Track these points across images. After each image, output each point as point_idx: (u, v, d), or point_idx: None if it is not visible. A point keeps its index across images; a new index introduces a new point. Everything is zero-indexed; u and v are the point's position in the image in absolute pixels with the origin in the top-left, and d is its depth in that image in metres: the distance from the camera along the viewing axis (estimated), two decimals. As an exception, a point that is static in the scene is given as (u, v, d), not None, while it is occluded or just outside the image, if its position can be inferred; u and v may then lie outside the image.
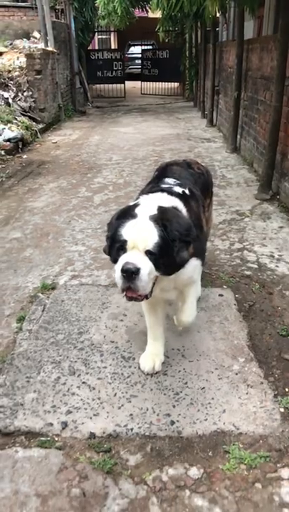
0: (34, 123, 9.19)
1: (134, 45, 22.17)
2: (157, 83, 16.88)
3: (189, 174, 2.69)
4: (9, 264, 3.66)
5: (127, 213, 1.97)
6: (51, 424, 2.03)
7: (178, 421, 2.05)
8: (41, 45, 10.48)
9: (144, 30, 17.26)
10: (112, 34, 23.60)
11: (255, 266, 3.49)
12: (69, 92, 12.45)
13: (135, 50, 21.35)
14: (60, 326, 2.76)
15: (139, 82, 17.66)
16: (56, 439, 1.96)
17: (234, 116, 7.04)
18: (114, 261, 1.95)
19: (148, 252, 1.86)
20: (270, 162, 4.85)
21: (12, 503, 1.68)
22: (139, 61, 17.99)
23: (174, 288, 2.21)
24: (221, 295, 3.11)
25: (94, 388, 2.25)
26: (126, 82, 16.29)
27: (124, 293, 1.90)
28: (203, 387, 2.26)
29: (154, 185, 2.46)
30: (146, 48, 18.72)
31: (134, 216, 1.93)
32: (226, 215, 4.57)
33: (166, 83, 16.82)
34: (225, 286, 3.22)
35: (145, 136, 9.00)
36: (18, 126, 8.26)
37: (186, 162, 2.87)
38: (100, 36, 22.46)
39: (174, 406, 2.14)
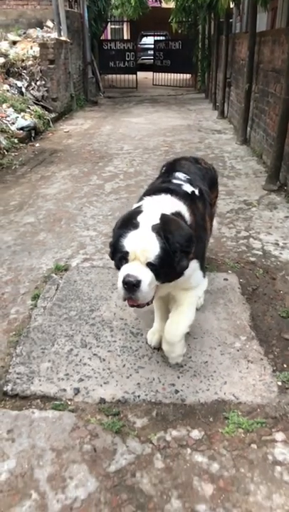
0: (46, 112, 9.34)
1: (146, 36, 22.13)
2: (169, 74, 16.89)
3: (198, 169, 2.71)
4: (23, 246, 3.83)
5: (129, 222, 1.94)
6: (64, 390, 2.20)
7: (182, 390, 2.21)
8: (54, 35, 10.57)
9: (156, 21, 17.29)
10: (125, 24, 23.53)
11: (260, 253, 3.62)
12: (81, 82, 12.54)
13: (148, 41, 21.32)
14: (73, 303, 2.93)
15: (151, 73, 17.67)
16: (69, 403, 2.13)
17: (245, 108, 7.12)
18: (118, 268, 1.97)
19: (149, 264, 1.87)
20: (279, 154, 4.95)
21: (30, 455, 1.86)
22: (152, 52, 18.00)
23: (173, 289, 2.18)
24: (225, 279, 3.25)
25: (104, 359, 2.41)
26: (138, 72, 16.32)
27: (126, 301, 1.94)
28: (206, 361, 2.41)
29: (164, 179, 2.46)
30: (158, 38, 18.70)
31: (136, 226, 1.91)
32: (234, 204, 4.69)
33: (178, 74, 16.83)
34: (230, 271, 3.35)
35: (156, 126, 9.10)
36: (31, 115, 8.41)
37: (193, 158, 2.92)
38: (112, 26, 22.46)
39: (178, 377, 2.29)
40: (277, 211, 4.46)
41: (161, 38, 19.27)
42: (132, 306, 1.98)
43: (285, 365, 2.40)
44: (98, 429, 1.97)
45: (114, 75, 16.23)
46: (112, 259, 2.04)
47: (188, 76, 17.27)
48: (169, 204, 2.09)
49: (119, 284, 1.88)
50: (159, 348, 2.47)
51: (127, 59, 15.47)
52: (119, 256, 1.92)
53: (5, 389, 2.20)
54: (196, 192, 2.33)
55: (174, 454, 1.86)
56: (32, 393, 2.18)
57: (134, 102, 13.27)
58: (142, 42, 21.95)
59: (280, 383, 2.26)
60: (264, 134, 6.15)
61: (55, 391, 2.19)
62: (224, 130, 8.60)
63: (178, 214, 2.07)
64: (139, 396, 2.17)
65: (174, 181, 2.35)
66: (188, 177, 2.43)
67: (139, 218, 1.94)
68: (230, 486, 1.72)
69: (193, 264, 2.11)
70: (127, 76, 15.94)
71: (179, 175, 2.43)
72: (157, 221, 1.91)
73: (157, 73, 17.20)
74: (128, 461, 1.82)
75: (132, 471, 1.78)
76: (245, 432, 1.96)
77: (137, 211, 2.01)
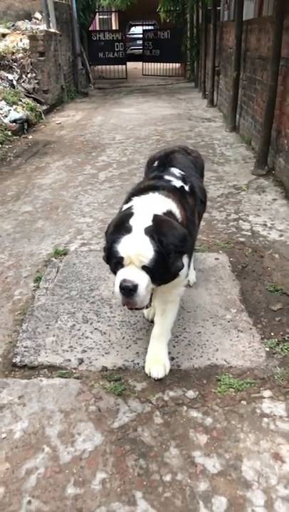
0: (38, 104, 9.42)
1: (135, 26, 22.11)
2: (158, 64, 16.96)
3: (190, 161, 2.70)
4: (23, 234, 3.99)
5: (121, 226, 1.93)
6: (69, 360, 2.38)
7: (177, 357, 2.40)
8: (43, 27, 10.61)
9: (145, 10, 17.23)
10: (113, 14, 23.45)
11: (249, 233, 3.81)
12: (71, 74, 12.60)
13: (136, 31, 21.32)
14: (73, 284, 3.10)
15: (140, 63, 17.71)
16: (74, 371, 2.31)
17: (233, 96, 7.27)
18: (114, 272, 1.99)
19: (144, 267, 1.88)
20: (266, 139, 5.12)
21: (40, 416, 2.04)
22: (140, 42, 18.02)
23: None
24: (216, 258, 3.43)
25: (105, 333, 2.59)
26: (127, 63, 16.35)
27: (125, 305, 1.98)
28: (200, 332, 2.60)
29: (158, 174, 2.42)
30: (147, 28, 18.69)
31: (129, 230, 1.90)
32: (224, 189, 4.87)
33: (168, 64, 16.89)
34: (221, 251, 3.54)
35: (147, 116, 9.23)
36: (23, 107, 8.50)
37: (183, 148, 2.85)
38: (100, 16, 22.37)
39: (174, 346, 2.48)
40: (265, 194, 4.64)
41: (150, 27, 19.25)
42: (130, 309, 2.02)
43: (272, 334, 2.59)
44: (102, 393, 2.16)
45: (103, 66, 16.28)
46: (107, 263, 2.05)
47: (177, 65, 17.32)
48: (159, 203, 2.07)
49: (117, 290, 1.89)
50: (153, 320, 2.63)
51: (116, 49, 15.51)
52: (114, 261, 1.93)
53: (14, 361, 2.38)
54: (186, 188, 2.33)
55: (172, 411, 2.05)
56: (39, 364, 2.36)
57: (125, 92, 13.36)
58: (130, 32, 21.93)
59: (267, 349, 2.45)
60: (252, 121, 6.31)
61: (61, 361, 2.37)
62: (214, 118, 8.74)
63: (169, 213, 2.06)
64: (138, 363, 2.35)
65: (166, 177, 2.33)
66: (182, 173, 2.42)
67: (132, 221, 1.92)
68: (222, 436, 1.91)
69: (184, 260, 2.10)
70: (116, 67, 15.99)
71: (175, 171, 2.42)
72: (150, 223, 1.91)
73: (147, 63, 17.25)
74: (130, 419, 2.01)
75: (133, 426, 1.96)
76: (235, 391, 2.16)
77: (128, 214, 1.99)
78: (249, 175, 5.25)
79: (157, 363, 2.26)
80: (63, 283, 3.12)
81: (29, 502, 1.67)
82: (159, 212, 2.00)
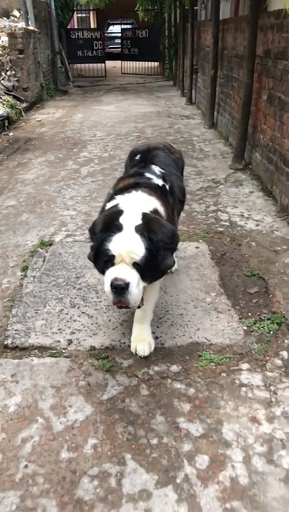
0: (18, 102, 9.44)
1: (113, 24, 22.20)
2: (137, 62, 17.10)
3: (172, 160, 2.73)
4: (8, 226, 4.07)
5: (111, 224, 1.94)
6: (59, 341, 2.50)
7: (161, 336, 2.54)
8: (22, 24, 10.62)
9: (123, 9, 17.36)
10: (91, 13, 23.48)
11: (227, 224, 3.98)
12: (50, 72, 12.63)
13: (114, 30, 21.43)
14: (60, 272, 3.22)
15: (119, 61, 17.83)
16: (63, 351, 2.43)
17: (211, 93, 7.45)
18: (102, 272, 1.99)
19: (135, 264, 1.89)
20: (243, 135, 5.31)
21: (33, 392, 2.16)
22: (119, 40, 18.14)
23: None
24: (197, 247, 3.59)
25: (92, 316, 2.72)
26: (106, 61, 16.44)
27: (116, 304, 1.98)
28: (182, 314, 2.75)
29: (138, 170, 2.44)
30: (125, 27, 18.82)
31: (119, 228, 1.91)
32: (203, 183, 5.04)
33: (146, 62, 17.04)
34: (200, 241, 3.70)
35: (127, 113, 9.36)
36: (4, 104, 8.53)
37: (166, 147, 2.87)
38: (78, 15, 22.39)
39: (158, 327, 2.62)
40: (242, 187, 4.83)
41: (128, 26, 19.39)
42: (121, 307, 2.02)
43: (249, 314, 2.75)
44: (91, 369, 2.29)
45: (82, 64, 16.34)
46: (95, 263, 2.05)
47: (156, 64, 17.50)
48: (145, 202, 2.09)
49: (107, 289, 1.90)
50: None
51: (95, 48, 15.58)
52: (104, 260, 1.93)
53: (5, 342, 2.48)
54: (167, 187, 2.35)
55: (157, 384, 2.19)
56: (30, 345, 2.47)
57: (104, 90, 13.45)
58: (108, 30, 22.00)
59: (245, 328, 2.62)
60: (230, 118, 6.50)
61: (51, 342, 2.49)
62: (192, 115, 8.93)
63: (155, 211, 2.09)
64: (124, 343, 2.49)
65: (147, 175, 2.35)
66: (163, 171, 2.44)
67: (121, 220, 1.94)
68: (204, 404, 2.06)
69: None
70: (95, 65, 16.07)
71: (155, 168, 2.44)
72: (140, 221, 1.93)
73: (125, 62, 17.36)
74: (118, 391, 2.14)
75: (121, 398, 2.10)
76: (216, 364, 2.31)
77: (117, 212, 2.00)
78: (227, 169, 5.43)
79: (143, 342, 2.40)
80: (50, 271, 3.23)
81: (26, 466, 1.79)
82: (147, 211, 2.02)
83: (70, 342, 2.50)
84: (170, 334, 2.57)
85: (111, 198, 2.21)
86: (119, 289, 1.86)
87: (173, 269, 3.16)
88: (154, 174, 2.39)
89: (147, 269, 1.91)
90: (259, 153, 4.96)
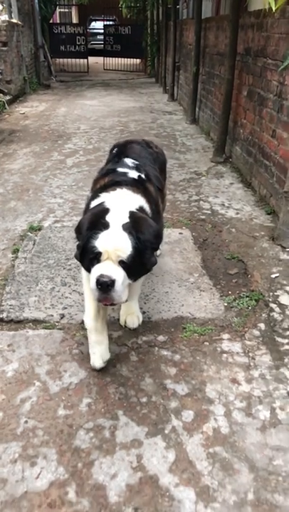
0: (1, 94, 9.48)
1: (95, 21, 22.22)
2: (120, 59, 17.23)
3: (148, 154, 2.72)
4: (-3, 213, 4.18)
5: (98, 222, 1.93)
6: (52, 315, 2.65)
7: (148, 311, 2.72)
8: (5, 17, 10.62)
9: (105, 5, 17.45)
10: (74, 8, 23.44)
11: (209, 212, 4.18)
12: (33, 66, 12.64)
13: (97, 26, 21.47)
14: (50, 254, 3.36)
15: (101, 58, 17.92)
16: (57, 324, 2.58)
17: (193, 90, 7.66)
18: (87, 269, 1.98)
19: (121, 262, 1.88)
20: (224, 129, 5.53)
21: (29, 359, 2.31)
22: (101, 36, 18.24)
23: None
24: (180, 233, 3.78)
25: (82, 294, 2.84)
26: (88, 57, 16.50)
27: (100, 302, 1.97)
28: (167, 292, 2.93)
29: (113, 166, 2.45)
30: (108, 23, 18.90)
31: (106, 226, 1.90)
32: (186, 174, 5.23)
33: (129, 59, 17.18)
34: (184, 227, 3.89)
35: (110, 108, 9.49)
36: (-13, 96, 8.56)
37: (145, 142, 2.90)
38: (60, 10, 22.34)
39: (145, 303, 2.80)
40: (223, 179, 5.04)
41: (110, 22, 19.47)
42: (105, 305, 2.02)
43: (229, 292, 2.95)
44: (83, 340, 2.44)
45: (65, 59, 16.36)
46: (80, 261, 2.04)
47: (138, 61, 17.66)
48: (130, 200, 2.09)
49: (93, 286, 1.87)
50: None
51: (77, 43, 15.65)
52: (90, 257, 1.91)
53: (1, 316, 2.62)
54: (143, 176, 2.34)
55: (145, 351, 2.37)
56: (24, 318, 2.62)
57: (87, 85, 13.53)
58: (90, 26, 22.01)
59: (225, 304, 2.82)
60: (211, 113, 6.72)
61: (44, 316, 2.64)
62: (174, 111, 9.13)
63: (141, 209, 2.09)
64: (114, 317, 2.65)
65: (120, 169, 2.34)
66: (136, 162, 2.44)
67: (108, 218, 1.93)
68: (189, 368, 2.25)
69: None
70: (78, 60, 16.12)
71: (128, 161, 2.44)
72: (127, 220, 1.92)
73: (108, 58, 17.46)
74: (109, 358, 2.31)
75: (113, 363, 2.26)
76: (199, 335, 2.50)
77: (103, 210, 1.99)
78: (208, 162, 5.64)
79: (131, 315, 2.56)
80: (40, 253, 3.37)
81: (26, 422, 1.94)
82: (133, 209, 2.02)
83: (62, 316, 2.65)
84: (156, 309, 2.75)
85: (95, 196, 2.20)
86: (105, 286, 1.84)
87: (158, 253, 3.31)
88: (127, 167, 2.38)
89: (133, 268, 1.91)
90: (239, 146, 5.19)
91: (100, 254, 1.88)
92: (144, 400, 2.06)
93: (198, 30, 7.25)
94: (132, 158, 2.48)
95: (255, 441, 1.85)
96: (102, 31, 18.13)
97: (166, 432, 1.90)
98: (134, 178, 2.28)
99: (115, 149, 2.76)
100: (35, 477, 1.71)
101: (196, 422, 1.94)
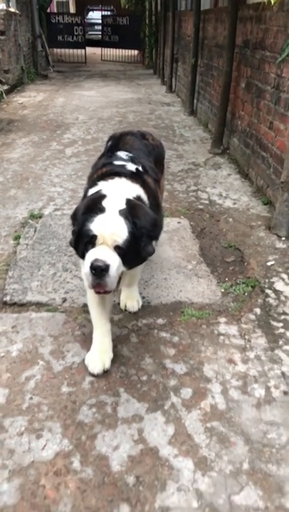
0: (-1, 84, 9.47)
1: (93, 11, 22.08)
2: (117, 50, 17.17)
3: (143, 145, 2.68)
4: (-3, 201, 4.24)
5: (94, 207, 1.91)
6: (54, 299, 2.72)
7: (147, 296, 2.80)
8: (3, 6, 10.56)
9: (103, -5, 17.36)
10: (71, -3, 23.26)
11: (207, 202, 4.26)
12: (31, 55, 12.60)
13: (94, 16, 21.33)
14: (51, 241, 3.43)
15: (99, 48, 17.85)
16: (59, 307, 2.66)
17: (191, 81, 7.69)
18: (82, 255, 1.94)
19: (117, 248, 1.85)
20: (222, 121, 5.59)
21: (33, 340, 2.38)
22: (99, 27, 18.15)
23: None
24: (179, 222, 3.86)
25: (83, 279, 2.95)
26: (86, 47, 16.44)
27: (93, 288, 1.92)
28: (166, 278, 3.02)
29: (106, 160, 2.43)
30: (106, 13, 18.80)
31: (102, 210, 1.88)
32: (184, 165, 5.30)
33: (126, 50, 17.13)
34: (182, 217, 3.96)
35: (108, 99, 9.51)
36: (-15, 85, 8.56)
37: (141, 133, 2.86)
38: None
39: (144, 288, 2.88)
40: (221, 170, 5.12)
41: (108, 13, 19.37)
42: (98, 293, 1.97)
43: (226, 279, 3.04)
44: (85, 322, 2.52)
45: (62, 50, 16.28)
46: (75, 247, 2.00)
47: (135, 52, 17.62)
48: (128, 188, 2.08)
49: (87, 270, 1.84)
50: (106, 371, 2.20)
51: (75, 33, 15.57)
52: (85, 241, 1.88)
53: (4, 299, 2.69)
54: (140, 168, 2.32)
55: (145, 333, 2.45)
56: (27, 301, 2.69)
57: (85, 76, 13.51)
58: (88, 17, 21.87)
59: (222, 290, 2.90)
60: (209, 105, 6.77)
61: (47, 299, 2.72)
62: (172, 103, 9.16)
63: (138, 198, 2.08)
64: (114, 301, 2.72)
65: (116, 162, 2.32)
66: (130, 155, 2.41)
67: (104, 203, 1.91)
68: (187, 349, 2.34)
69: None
70: (75, 51, 16.06)
71: (121, 154, 2.42)
72: (123, 206, 1.91)
73: (106, 48, 17.39)
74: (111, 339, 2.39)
75: (114, 344, 2.34)
76: (197, 319, 2.59)
77: (100, 196, 1.98)
78: (206, 153, 5.71)
79: (131, 299, 2.64)
80: (42, 240, 3.44)
81: (31, 398, 2.03)
82: (131, 197, 2.01)
83: (64, 300, 2.73)
84: (156, 295, 2.83)
85: (93, 184, 2.19)
86: (99, 270, 1.80)
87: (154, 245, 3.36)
88: (121, 160, 2.36)
89: (128, 254, 1.88)
90: (237, 138, 5.25)
91: (95, 237, 1.85)
92: (145, 378, 2.15)
93: (197, 21, 7.27)
94: (126, 151, 2.46)
95: (251, 416, 1.95)
96: (99, 22, 18.05)
97: (166, 408, 1.99)
98: (132, 171, 2.25)
99: (110, 142, 2.75)
100: (41, 448, 1.79)
101: (194, 399, 2.03)
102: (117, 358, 2.27)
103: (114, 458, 1.76)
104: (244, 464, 1.74)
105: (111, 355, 2.22)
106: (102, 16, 18.21)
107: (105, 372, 2.17)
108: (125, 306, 2.64)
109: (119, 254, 1.86)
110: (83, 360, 2.24)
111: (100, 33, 17.86)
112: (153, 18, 13.67)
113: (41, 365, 2.22)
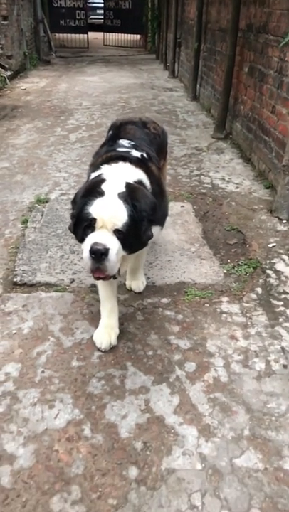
0: (2, 70, 9.45)
1: (94, -6, 21.80)
2: (119, 34, 17.02)
3: (144, 134, 2.66)
4: (4, 186, 4.31)
5: (93, 190, 1.90)
6: (62, 280, 2.82)
7: (152, 277, 2.89)
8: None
9: (105, -21, 17.14)
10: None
11: (210, 186, 4.32)
12: (33, 41, 12.52)
13: (96, 0, 21.07)
14: (58, 225, 3.51)
15: (101, 33, 17.69)
16: (67, 288, 2.76)
17: (194, 66, 7.68)
18: (81, 240, 1.92)
19: (116, 231, 1.84)
20: (224, 106, 5.62)
21: (43, 318, 2.49)
22: (101, 11, 17.96)
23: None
24: (182, 206, 3.93)
25: (90, 260, 3.04)
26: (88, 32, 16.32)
27: (92, 273, 1.90)
28: (169, 260, 3.11)
29: (109, 148, 2.42)
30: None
31: (101, 193, 1.88)
32: (187, 150, 5.35)
33: (129, 35, 16.98)
34: (185, 201, 4.03)
35: (111, 84, 9.51)
36: (-11, 71, 8.56)
37: (142, 121, 2.84)
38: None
39: (149, 270, 2.97)
40: (223, 155, 5.17)
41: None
42: (97, 278, 1.94)
43: (229, 260, 3.12)
44: (92, 302, 2.62)
45: (64, 35, 16.15)
46: (74, 232, 1.99)
47: (138, 37, 17.46)
48: (130, 172, 2.07)
49: (86, 254, 1.82)
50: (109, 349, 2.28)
51: (77, 17, 15.44)
52: (84, 225, 1.87)
53: (14, 280, 2.79)
54: (145, 155, 2.32)
55: (150, 312, 2.55)
56: (37, 282, 2.79)
57: (87, 61, 13.45)
58: (90, 0, 21.61)
59: (225, 271, 2.99)
60: (212, 90, 6.78)
61: (55, 280, 2.81)
62: (175, 88, 9.16)
63: (140, 182, 2.07)
64: (120, 281, 2.82)
65: (119, 149, 2.31)
66: (132, 143, 2.41)
67: (104, 187, 1.91)
68: (191, 326, 2.44)
69: (156, 231, 2.12)
70: (77, 36, 15.94)
71: (124, 142, 2.41)
72: (123, 189, 1.90)
73: (108, 33, 17.25)
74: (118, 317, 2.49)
75: (120, 322, 2.44)
76: (200, 298, 2.68)
77: (100, 180, 1.97)
78: (209, 138, 5.75)
79: (137, 280, 2.74)
80: (49, 224, 3.53)
81: (42, 371, 2.13)
82: (131, 181, 2.00)
83: (72, 280, 2.82)
84: (160, 276, 2.92)
85: (96, 168, 2.19)
86: (99, 254, 1.79)
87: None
88: (124, 147, 2.37)
89: (128, 238, 1.87)
90: (239, 123, 5.29)
91: (94, 220, 1.84)
92: (150, 353, 2.25)
93: (200, 5, 7.23)
94: (127, 139, 2.46)
95: (252, 388, 2.05)
96: (102, 5, 17.86)
97: (171, 380, 2.09)
98: (137, 157, 2.25)
99: (110, 131, 2.74)
100: (54, 417, 1.90)
101: (198, 372, 2.14)
102: (123, 334, 2.37)
103: (122, 426, 1.87)
104: (245, 430, 1.85)
105: (117, 331, 2.32)
106: (103, -1, 18.03)
107: (112, 348, 2.27)
108: (130, 287, 2.73)
109: (119, 238, 1.85)
110: (91, 336, 2.34)
111: (102, 17, 17.69)
112: (156, 2, 13.53)
113: (52, 341, 2.32)
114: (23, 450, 1.76)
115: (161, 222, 2.26)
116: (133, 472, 1.69)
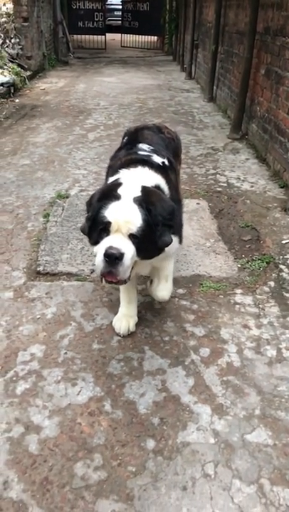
0: (22, 70, 9.67)
1: (113, -4, 22.03)
2: (137, 36, 17.19)
3: (160, 139, 2.64)
4: (25, 182, 4.48)
5: (109, 194, 1.91)
6: (83, 270, 2.96)
7: (169, 269, 3.02)
8: (7, 7, 10.72)
9: (123, -19, 17.33)
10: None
11: (225, 184, 4.43)
12: (52, 42, 12.75)
13: (114, 1, 21.28)
14: (78, 219, 3.66)
15: (118, 34, 17.88)
16: (88, 277, 2.90)
17: (211, 68, 7.79)
18: (95, 243, 1.93)
19: (131, 236, 1.83)
20: (241, 107, 5.72)
21: (65, 305, 2.63)
22: (118, 13, 18.16)
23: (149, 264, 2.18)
24: (198, 203, 4.05)
25: (109, 253, 3.18)
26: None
27: (103, 277, 1.89)
28: (185, 254, 3.23)
29: (129, 152, 2.38)
30: (126, -1, 18.78)
31: (117, 197, 1.88)
32: (203, 150, 5.46)
33: (146, 37, 17.14)
34: (201, 198, 4.15)
35: (128, 85, 9.66)
36: (9, 71, 8.78)
37: (156, 126, 2.83)
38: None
39: (165, 262, 3.09)
40: (239, 155, 5.27)
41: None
42: (109, 282, 1.91)
43: (243, 256, 3.23)
44: (112, 290, 2.75)
45: (82, 36, 16.38)
46: (89, 235, 1.99)
47: (155, 38, 17.60)
48: (148, 177, 2.06)
49: (100, 258, 1.82)
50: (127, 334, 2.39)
51: (95, 19, 15.64)
52: (99, 228, 1.87)
53: (38, 269, 2.94)
54: (166, 162, 2.30)
55: (167, 301, 2.67)
56: (59, 272, 2.93)
57: (105, 62, 13.64)
58: (108, 2, 21.83)
59: (239, 266, 3.10)
60: (229, 91, 6.88)
61: (76, 270, 2.96)
62: (192, 89, 9.28)
63: (157, 187, 2.06)
64: (138, 273, 2.95)
65: (141, 153, 2.29)
66: (152, 148, 2.38)
67: (120, 191, 1.91)
68: (205, 315, 2.56)
69: (173, 242, 2.07)
70: (95, 37, 16.15)
71: (143, 146, 2.38)
72: (139, 193, 1.90)
73: (125, 35, 17.43)
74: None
75: (138, 310, 2.57)
76: (215, 290, 2.80)
77: (117, 184, 1.98)
78: (225, 139, 5.86)
79: (162, 291, 2.78)
80: (69, 218, 3.67)
81: (65, 353, 2.27)
82: (148, 185, 1.99)
83: (92, 271, 2.96)
84: (176, 268, 3.01)
85: (115, 172, 2.19)
86: (113, 258, 1.78)
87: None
88: (145, 151, 2.34)
89: (143, 243, 1.85)
90: (255, 124, 5.39)
91: (109, 224, 1.84)
92: (167, 338, 2.38)
93: (218, 8, 7.34)
94: (146, 144, 2.44)
95: (263, 372, 2.16)
96: (120, 7, 18.06)
97: (186, 363, 2.22)
98: (159, 163, 2.23)
99: (126, 138, 2.73)
100: (77, 394, 2.04)
101: (212, 357, 2.26)
102: (141, 321, 2.50)
103: (140, 403, 2.00)
104: (256, 410, 1.96)
105: (136, 318, 2.44)
106: (122, 1, 18.20)
107: (130, 333, 2.40)
108: (156, 295, 2.42)
109: (134, 243, 1.84)
110: (111, 322, 2.47)
111: (120, 18, 17.89)
112: (174, 4, 13.67)
113: (73, 325, 2.46)
114: (49, 422, 1.90)
115: (178, 231, 2.21)
116: (151, 444, 1.81)
